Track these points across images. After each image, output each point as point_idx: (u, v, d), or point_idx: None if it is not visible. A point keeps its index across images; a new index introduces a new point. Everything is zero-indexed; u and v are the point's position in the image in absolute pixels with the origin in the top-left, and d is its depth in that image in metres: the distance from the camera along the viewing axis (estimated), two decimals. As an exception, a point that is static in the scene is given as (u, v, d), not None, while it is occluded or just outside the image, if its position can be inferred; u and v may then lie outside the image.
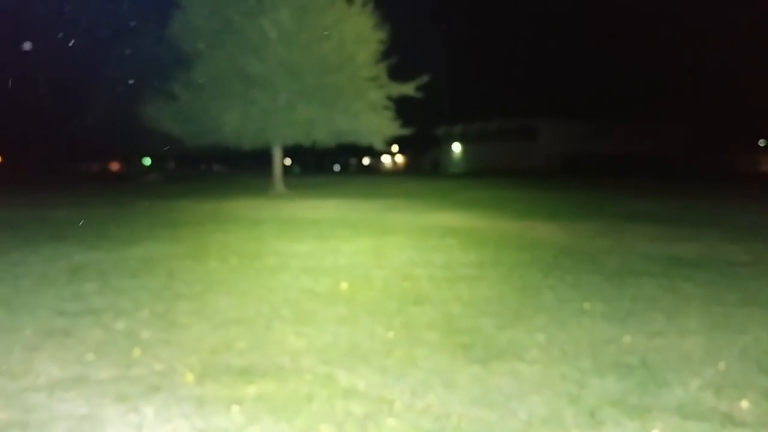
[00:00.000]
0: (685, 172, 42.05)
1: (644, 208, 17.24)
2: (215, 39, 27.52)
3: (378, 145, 30.42)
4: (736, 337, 5.02)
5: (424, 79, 28.16)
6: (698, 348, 4.74)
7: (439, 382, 4.08)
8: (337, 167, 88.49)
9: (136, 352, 4.71)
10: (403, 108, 29.62)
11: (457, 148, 74.45)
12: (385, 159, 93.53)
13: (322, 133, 28.63)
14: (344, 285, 7.12)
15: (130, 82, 35.92)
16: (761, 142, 58.57)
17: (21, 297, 6.54)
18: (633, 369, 4.30)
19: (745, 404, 3.73)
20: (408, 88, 28.51)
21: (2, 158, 79.03)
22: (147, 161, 68.00)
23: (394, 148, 72.96)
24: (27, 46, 31.11)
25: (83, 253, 9.61)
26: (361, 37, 27.47)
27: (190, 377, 4.19)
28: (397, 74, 28.76)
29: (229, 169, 75.59)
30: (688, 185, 29.51)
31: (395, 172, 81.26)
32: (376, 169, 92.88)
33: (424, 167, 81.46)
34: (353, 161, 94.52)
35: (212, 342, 4.96)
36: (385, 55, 28.42)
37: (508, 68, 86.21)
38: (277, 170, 30.75)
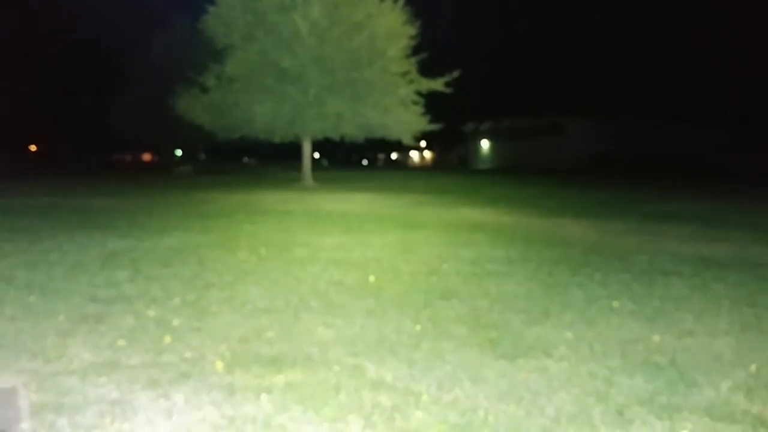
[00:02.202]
0: (717, 173, 41.41)
1: (675, 208, 17.05)
2: (248, 33, 27.77)
3: (406, 140, 30.44)
4: (767, 339, 4.96)
5: (454, 74, 28.10)
6: (728, 349, 4.69)
7: (466, 377, 4.08)
8: (364, 161, 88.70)
9: (167, 339, 4.79)
10: (432, 103, 29.59)
11: (485, 144, 74.15)
12: (413, 154, 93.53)
13: (351, 128, 28.74)
14: (372, 278, 7.15)
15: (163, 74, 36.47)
16: None
17: (55, 283, 6.66)
18: (662, 368, 4.27)
19: (777, 407, 3.68)
20: (438, 84, 28.47)
21: (37, 147, 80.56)
22: (178, 153, 68.81)
23: (422, 143, 72.93)
24: None
25: (116, 241, 9.76)
26: (392, 32, 27.48)
27: (220, 365, 4.24)
28: (427, 70, 28.76)
29: (258, 162, 76.16)
30: (720, 186, 29.08)
31: (423, 168, 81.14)
32: (403, 164, 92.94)
33: (452, 163, 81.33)
34: (381, 156, 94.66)
35: (242, 331, 5.02)
36: (416, 50, 28.45)
37: (539, 66, 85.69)
38: (306, 163, 30.93)
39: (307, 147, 30.87)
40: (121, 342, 4.71)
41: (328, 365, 4.28)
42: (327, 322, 5.29)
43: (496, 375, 4.13)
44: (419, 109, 29.14)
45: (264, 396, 3.75)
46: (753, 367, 4.31)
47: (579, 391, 3.87)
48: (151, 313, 5.53)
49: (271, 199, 20.35)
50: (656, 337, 4.95)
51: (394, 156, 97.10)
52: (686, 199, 21.01)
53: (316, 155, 63.14)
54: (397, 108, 28.53)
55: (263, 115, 27.62)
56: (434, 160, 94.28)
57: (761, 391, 3.91)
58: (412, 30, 28.00)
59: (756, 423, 3.48)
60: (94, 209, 15.21)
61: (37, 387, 3.87)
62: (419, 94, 28.99)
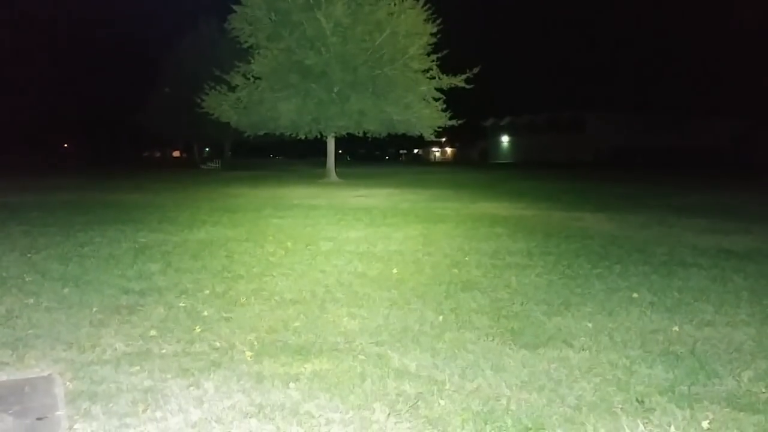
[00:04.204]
0: (737, 166, 40.87)
1: (693, 201, 16.95)
2: (273, 32, 28.14)
3: (428, 135, 30.65)
4: (789, 330, 4.97)
5: (475, 71, 28.16)
6: (749, 340, 4.70)
7: (488, 366, 4.15)
8: (386, 157, 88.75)
9: (197, 329, 4.91)
10: (452, 99, 29.67)
11: (505, 139, 73.95)
12: (434, 149, 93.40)
13: (374, 124, 28.96)
14: (395, 270, 7.25)
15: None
16: None
17: (88, 275, 6.84)
18: (682, 358, 4.29)
19: (798, 397, 3.68)
20: (458, 80, 28.57)
21: (68, 145, 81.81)
22: (206, 149, 69.75)
23: (444, 138, 72.85)
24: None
25: (147, 235, 9.97)
26: (413, 30, 27.73)
27: (248, 354, 4.35)
28: (447, 67, 28.85)
29: (284, 158, 76.56)
30: (739, 179, 28.74)
31: (444, 163, 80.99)
32: (425, 159, 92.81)
33: (473, 158, 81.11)
34: (403, 151, 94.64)
35: (270, 321, 5.14)
36: (436, 47, 28.58)
37: (559, 61, 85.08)
38: (331, 159, 31.19)
39: (331, 143, 31.09)
40: (153, 332, 4.84)
41: (353, 354, 4.37)
42: (352, 313, 5.40)
43: (517, 364, 4.19)
44: (440, 105, 29.35)
45: (292, 384, 3.84)
46: (774, 358, 4.32)
47: (600, 380, 3.91)
48: (182, 304, 5.67)
49: (297, 194, 20.51)
50: (676, 328, 4.98)
51: (415, 151, 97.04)
52: (706, 192, 20.84)
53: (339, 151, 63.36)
54: (418, 104, 28.74)
55: (288, 112, 27.96)
56: (455, 155, 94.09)
57: (782, 381, 3.92)
58: (432, 28, 28.18)
59: (777, 413, 3.47)
60: (125, 204, 15.47)
61: (72, 376, 3.98)
62: (440, 90, 29.18)
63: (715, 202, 16.68)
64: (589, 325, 5.07)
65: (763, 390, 3.80)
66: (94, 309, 5.48)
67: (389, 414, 3.46)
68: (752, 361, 4.26)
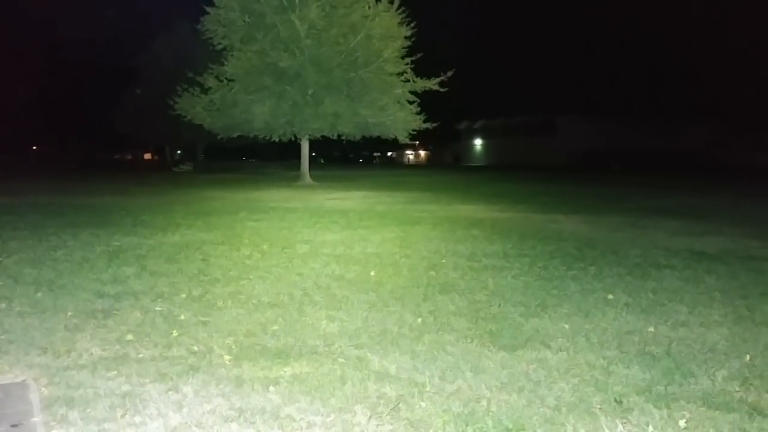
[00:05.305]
0: (708, 169, 41.53)
1: (666, 204, 17.17)
2: (247, 34, 28.06)
3: (402, 138, 30.78)
4: (760, 330, 5.06)
5: (448, 74, 28.36)
6: (723, 340, 4.78)
7: (467, 368, 4.17)
8: (360, 160, 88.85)
9: (175, 333, 4.87)
10: (427, 102, 29.83)
11: (478, 142, 74.43)
12: (408, 152, 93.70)
13: (349, 126, 28.99)
14: (373, 273, 7.26)
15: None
16: None
17: (62, 279, 6.74)
18: (658, 359, 4.35)
19: (772, 396, 3.75)
20: (432, 83, 28.75)
21: (39, 147, 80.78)
22: (178, 152, 69.30)
23: (417, 142, 73.15)
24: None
25: (121, 238, 9.85)
26: (388, 33, 27.87)
27: (227, 358, 4.33)
28: (421, 70, 29.03)
29: (257, 160, 76.25)
30: (711, 182, 29.20)
31: (418, 166, 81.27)
32: (399, 162, 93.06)
33: (446, 161, 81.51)
34: (377, 154, 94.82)
35: (248, 325, 5.11)
36: (411, 51, 28.76)
37: (531, 65, 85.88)
38: (305, 162, 31.13)
39: (305, 146, 31.03)
40: (130, 336, 4.78)
41: (333, 357, 4.37)
42: (331, 316, 5.39)
43: (496, 366, 4.22)
44: (414, 108, 29.50)
45: (272, 388, 3.82)
46: (747, 357, 4.40)
47: (578, 381, 3.95)
48: (158, 307, 5.62)
49: (272, 196, 20.43)
50: (651, 329, 5.05)
51: (389, 154, 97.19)
52: (678, 194, 21.17)
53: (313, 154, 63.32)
54: (392, 107, 28.86)
55: (262, 115, 27.87)
56: (429, 158, 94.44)
57: (756, 380, 3.99)
58: (407, 31, 28.34)
59: (752, 412, 3.53)
60: (97, 207, 15.29)
61: (47, 381, 3.91)
62: (414, 93, 29.34)
63: (687, 205, 16.92)
64: (566, 326, 5.12)
65: (737, 389, 3.86)
66: (69, 313, 5.41)
67: (370, 416, 3.46)
68: (726, 361, 4.33)
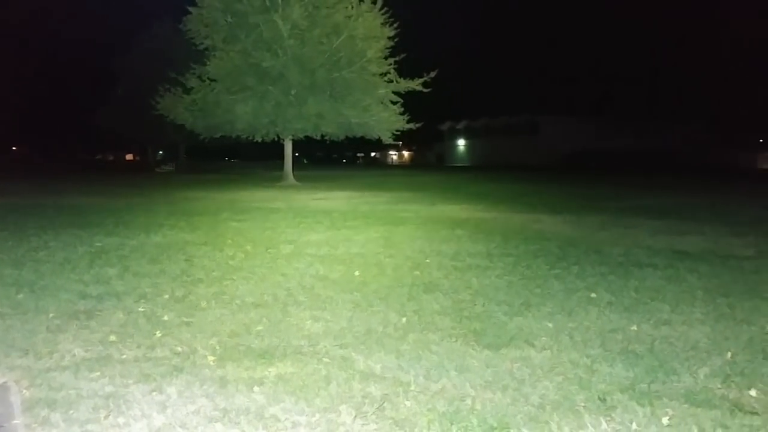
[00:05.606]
0: (691, 169, 41.90)
1: (648, 203, 17.28)
2: (229, 34, 27.98)
3: (386, 138, 30.79)
4: (741, 327, 5.11)
5: (432, 75, 28.41)
6: (704, 337, 4.82)
7: (452, 367, 4.18)
8: (344, 160, 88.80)
9: (158, 334, 4.84)
10: (410, 103, 29.89)
11: (461, 143, 74.64)
12: (392, 153, 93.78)
13: (332, 127, 28.95)
14: (357, 272, 7.25)
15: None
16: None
17: (44, 280, 6.69)
18: (641, 357, 4.38)
19: (753, 393, 3.79)
20: (415, 84, 28.79)
21: (19, 148, 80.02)
22: (160, 152, 68.93)
23: (400, 142, 73.24)
24: None
25: (103, 239, 9.78)
26: (371, 34, 27.86)
27: (211, 359, 4.31)
28: (405, 70, 29.08)
29: (239, 161, 76.03)
30: (693, 182, 29.45)
31: (401, 166, 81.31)
32: (382, 162, 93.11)
33: (430, 161, 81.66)
34: (360, 155, 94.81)
35: (232, 325, 5.10)
36: (394, 51, 28.79)
37: (514, 66, 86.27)
38: (288, 162, 31.04)
39: (288, 146, 30.95)
40: (113, 337, 4.75)
41: (317, 357, 4.36)
42: (315, 316, 5.38)
43: (481, 365, 4.23)
44: (398, 108, 29.51)
45: (256, 388, 3.81)
46: (729, 355, 4.43)
47: (562, 379, 3.97)
48: (141, 308, 5.59)
49: (255, 197, 20.37)
50: (634, 327, 5.08)
51: (372, 155, 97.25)
52: (661, 194, 21.32)
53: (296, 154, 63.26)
54: (376, 107, 28.87)
55: (245, 115, 27.76)
56: (412, 158, 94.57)
57: (737, 377, 4.03)
58: (390, 31, 28.35)
59: (734, 408, 3.57)
60: (79, 208, 15.15)
61: (29, 383, 3.88)
62: (398, 93, 29.37)
63: (669, 204, 17.05)
64: (550, 325, 5.15)
65: (719, 386, 3.90)
66: (51, 314, 5.36)
67: (356, 416, 3.46)
68: (708, 359, 4.37)
